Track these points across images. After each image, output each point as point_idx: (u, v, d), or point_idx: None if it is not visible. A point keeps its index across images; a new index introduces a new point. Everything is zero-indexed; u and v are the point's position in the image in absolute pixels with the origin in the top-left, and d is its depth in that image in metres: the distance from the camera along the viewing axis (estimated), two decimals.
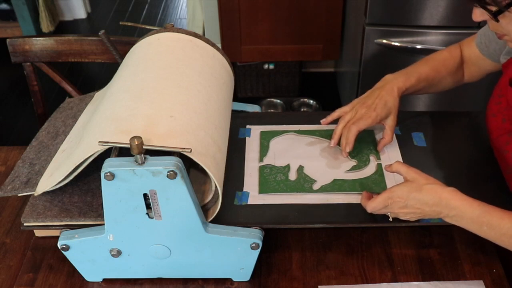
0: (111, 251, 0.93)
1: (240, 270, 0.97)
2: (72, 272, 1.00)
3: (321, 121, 1.13)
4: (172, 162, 0.82)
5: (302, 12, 2.45)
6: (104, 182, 0.83)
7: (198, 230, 0.90)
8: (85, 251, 0.94)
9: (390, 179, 1.04)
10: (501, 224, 0.86)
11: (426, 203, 0.89)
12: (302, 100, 2.76)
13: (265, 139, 1.15)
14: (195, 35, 1.10)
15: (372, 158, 1.09)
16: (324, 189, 1.03)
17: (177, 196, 0.85)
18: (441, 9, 1.93)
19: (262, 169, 1.08)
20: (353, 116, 1.07)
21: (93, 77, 3.15)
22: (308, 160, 1.09)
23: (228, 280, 0.99)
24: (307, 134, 1.16)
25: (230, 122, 1.09)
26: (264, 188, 1.03)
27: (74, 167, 0.91)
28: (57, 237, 0.94)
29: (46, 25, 3.36)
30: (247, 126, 1.19)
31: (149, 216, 0.88)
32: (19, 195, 1.02)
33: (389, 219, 0.94)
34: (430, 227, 1.06)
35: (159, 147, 0.82)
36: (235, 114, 1.18)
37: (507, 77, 1.02)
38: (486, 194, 1.01)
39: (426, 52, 2.00)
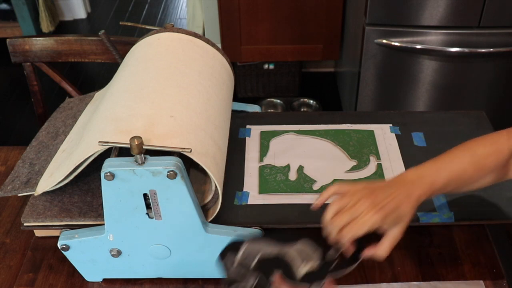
0: (111, 251, 0.93)
1: None
2: (72, 272, 1.00)
3: (312, 206, 0.88)
4: (172, 162, 0.82)
5: (302, 12, 2.45)
6: (104, 182, 0.83)
7: (198, 230, 0.90)
8: (85, 251, 0.94)
9: None
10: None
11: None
12: (302, 100, 2.76)
13: (265, 139, 1.15)
14: (195, 35, 1.10)
15: (372, 158, 1.09)
16: (324, 189, 1.03)
17: (177, 196, 0.85)
18: (441, 9, 1.93)
19: (262, 169, 1.08)
20: (349, 205, 0.79)
21: (93, 77, 3.15)
22: (308, 160, 1.09)
23: None
24: (307, 134, 1.16)
25: (230, 122, 1.09)
26: (264, 188, 1.03)
27: (74, 167, 0.91)
28: (57, 237, 0.94)
29: (46, 25, 3.36)
30: (247, 126, 1.19)
31: (149, 216, 0.88)
32: (19, 195, 1.02)
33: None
34: (430, 227, 1.06)
35: (159, 147, 0.82)
36: (235, 114, 1.18)
37: None
38: (486, 194, 1.01)
39: (426, 52, 2.01)
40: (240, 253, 0.81)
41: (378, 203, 0.77)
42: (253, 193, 1.02)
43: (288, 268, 0.79)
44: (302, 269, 0.79)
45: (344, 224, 0.77)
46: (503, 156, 0.86)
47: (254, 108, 1.25)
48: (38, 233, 1.07)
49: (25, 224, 0.98)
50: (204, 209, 0.93)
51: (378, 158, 1.09)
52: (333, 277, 0.80)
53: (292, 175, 1.06)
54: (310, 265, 0.80)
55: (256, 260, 0.80)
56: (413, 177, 0.82)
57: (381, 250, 0.81)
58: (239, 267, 0.80)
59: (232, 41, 2.52)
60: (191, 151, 0.83)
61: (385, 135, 1.15)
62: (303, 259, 0.80)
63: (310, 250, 0.81)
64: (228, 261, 0.81)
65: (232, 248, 0.82)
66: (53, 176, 0.98)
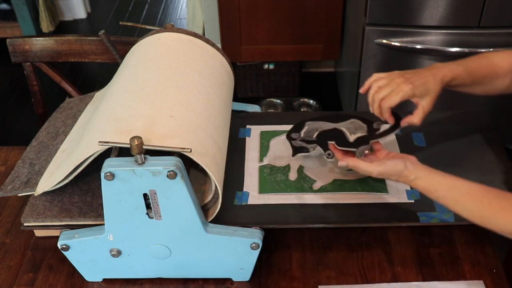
0: (111, 251, 0.93)
1: (240, 270, 0.97)
2: (72, 272, 1.00)
3: (360, 90, 1.04)
4: (172, 162, 0.82)
5: (302, 12, 2.45)
6: (104, 182, 0.83)
7: (198, 230, 0.90)
8: (85, 251, 0.94)
9: None
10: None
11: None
12: (302, 100, 2.76)
13: (265, 139, 1.15)
14: (195, 35, 1.10)
15: None
16: (324, 189, 1.03)
17: (177, 196, 0.85)
18: (441, 9, 1.93)
19: (262, 169, 1.08)
20: (386, 83, 0.98)
21: (93, 77, 3.15)
22: (308, 160, 1.09)
23: (228, 280, 0.99)
24: None
25: (230, 122, 1.09)
26: (264, 188, 1.03)
27: (74, 167, 0.91)
28: (57, 237, 0.94)
29: (46, 25, 3.36)
30: (247, 126, 1.19)
31: (149, 216, 0.88)
32: (19, 195, 1.02)
33: None
34: (430, 227, 1.06)
35: (159, 147, 0.82)
36: (235, 114, 1.18)
37: None
38: None
39: (426, 52, 2.01)
40: (303, 130, 1.03)
41: (409, 79, 0.97)
42: (253, 193, 1.02)
43: (341, 138, 0.99)
44: (352, 138, 0.99)
45: (383, 97, 0.97)
46: None
47: (254, 108, 1.25)
48: (38, 233, 1.07)
49: (25, 224, 0.98)
50: (204, 209, 0.93)
51: None
52: (378, 140, 1.00)
53: (292, 175, 1.06)
54: (358, 135, 1.00)
55: (316, 134, 1.02)
56: (438, 65, 1.01)
57: (415, 117, 0.98)
58: (303, 141, 1.02)
59: (232, 41, 2.52)
60: (191, 151, 0.83)
61: None
62: (352, 132, 1.01)
63: (358, 125, 1.03)
64: (293, 137, 1.03)
65: (295, 129, 1.04)
66: (53, 176, 0.98)
